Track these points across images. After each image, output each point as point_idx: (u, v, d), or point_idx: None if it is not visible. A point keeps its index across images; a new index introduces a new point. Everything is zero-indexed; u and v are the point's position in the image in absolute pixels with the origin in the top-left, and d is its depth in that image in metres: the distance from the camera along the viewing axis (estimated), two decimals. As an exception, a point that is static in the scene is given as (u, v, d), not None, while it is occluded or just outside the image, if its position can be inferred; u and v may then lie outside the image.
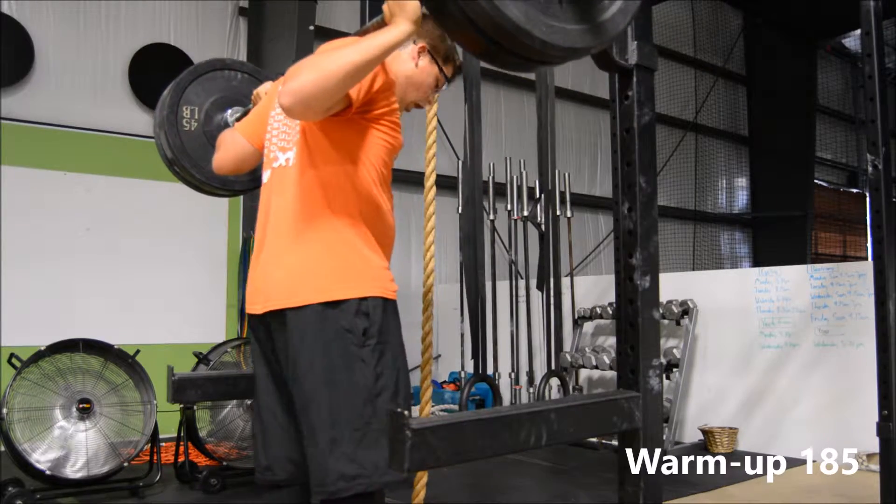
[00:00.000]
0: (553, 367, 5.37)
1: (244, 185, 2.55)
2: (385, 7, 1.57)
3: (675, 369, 5.12)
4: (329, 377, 1.61)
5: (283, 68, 6.42)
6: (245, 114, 2.43)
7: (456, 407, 5.86)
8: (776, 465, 4.85)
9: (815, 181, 11.34)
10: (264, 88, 2.20)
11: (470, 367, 5.04)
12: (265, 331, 1.76)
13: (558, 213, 5.58)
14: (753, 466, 4.74)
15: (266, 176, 1.81)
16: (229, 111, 2.52)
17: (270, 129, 1.85)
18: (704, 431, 5.04)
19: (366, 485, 1.59)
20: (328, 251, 1.66)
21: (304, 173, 1.69)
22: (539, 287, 5.47)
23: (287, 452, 1.76)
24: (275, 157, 1.79)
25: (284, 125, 1.80)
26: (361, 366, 1.62)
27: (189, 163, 2.46)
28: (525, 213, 5.64)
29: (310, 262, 1.66)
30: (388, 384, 1.65)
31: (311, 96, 1.46)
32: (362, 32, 1.74)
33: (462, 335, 5.35)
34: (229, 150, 1.98)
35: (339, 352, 1.61)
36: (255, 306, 1.75)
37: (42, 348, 3.60)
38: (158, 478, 3.76)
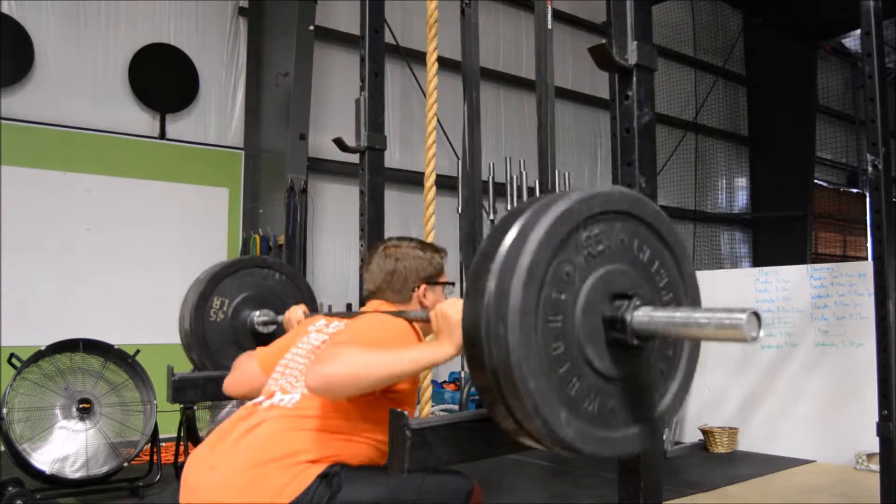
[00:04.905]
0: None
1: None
2: (433, 315, 1.56)
3: (675, 369, 5.12)
4: None
5: (283, 68, 6.38)
6: (272, 323, 2.45)
7: (456, 407, 5.86)
8: (776, 465, 4.86)
9: (815, 181, 11.32)
10: (296, 316, 2.20)
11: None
12: None
13: (558, 213, 5.56)
14: (753, 466, 4.73)
15: (259, 403, 1.74)
16: (257, 313, 2.49)
17: (284, 364, 1.82)
18: (704, 431, 5.04)
19: None
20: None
21: (297, 419, 1.64)
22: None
23: None
24: (273, 393, 1.74)
25: (299, 367, 1.77)
26: None
27: (205, 354, 2.43)
28: (525, 213, 5.63)
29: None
30: None
31: (338, 387, 1.48)
32: (402, 314, 1.75)
33: (462, 335, 5.34)
34: (243, 379, 1.97)
35: None
36: None
37: (42, 348, 3.59)
38: (158, 478, 3.76)
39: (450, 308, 1.49)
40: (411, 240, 1.96)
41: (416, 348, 1.55)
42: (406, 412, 1.20)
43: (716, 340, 1.05)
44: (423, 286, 1.88)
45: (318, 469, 1.57)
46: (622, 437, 1.13)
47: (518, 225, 1.06)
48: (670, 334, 1.14)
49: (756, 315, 0.98)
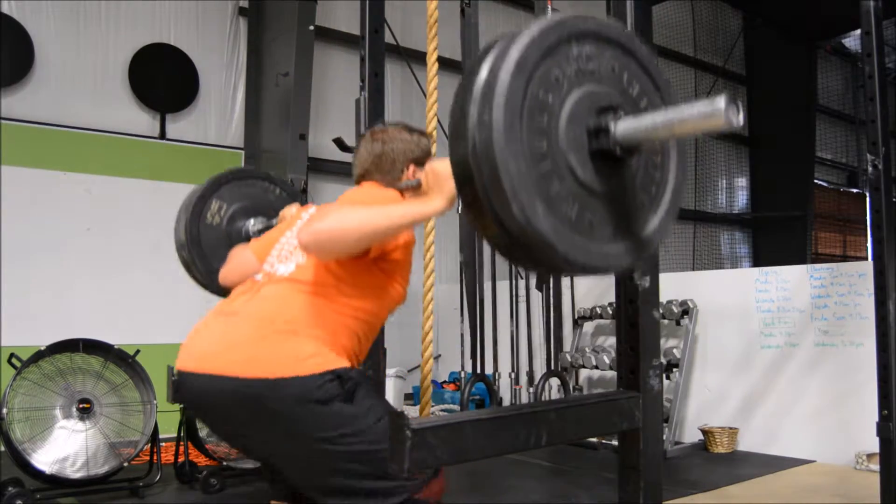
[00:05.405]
0: (553, 367, 5.37)
1: None
2: (423, 175, 1.58)
3: (675, 369, 5.12)
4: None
5: (283, 68, 6.36)
6: (266, 229, 2.44)
7: (456, 407, 5.86)
8: (776, 465, 4.86)
9: (815, 181, 11.33)
10: (290, 212, 2.23)
11: (470, 367, 5.05)
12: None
13: (558, 212, 5.56)
14: (753, 466, 4.72)
15: (257, 280, 1.78)
16: (252, 220, 2.51)
17: (279, 247, 1.85)
18: (704, 431, 5.04)
19: None
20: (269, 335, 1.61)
21: (294, 284, 1.66)
22: (538, 287, 5.47)
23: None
24: (270, 265, 1.78)
25: (293, 244, 1.79)
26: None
27: (197, 253, 2.43)
28: (525, 213, 5.62)
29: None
30: None
31: (329, 242, 1.50)
32: (395, 186, 1.79)
33: (462, 335, 5.35)
34: (238, 266, 1.99)
35: None
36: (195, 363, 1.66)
37: (42, 348, 3.59)
38: (158, 478, 3.76)
39: (440, 164, 1.51)
40: (397, 123, 1.96)
41: (406, 204, 1.58)
42: (406, 414, 1.20)
43: (700, 131, 1.06)
44: (411, 167, 1.87)
45: (337, 361, 1.58)
46: (598, 252, 1.14)
47: (512, 34, 1.10)
48: (654, 138, 1.15)
49: (734, 102, 1.00)
